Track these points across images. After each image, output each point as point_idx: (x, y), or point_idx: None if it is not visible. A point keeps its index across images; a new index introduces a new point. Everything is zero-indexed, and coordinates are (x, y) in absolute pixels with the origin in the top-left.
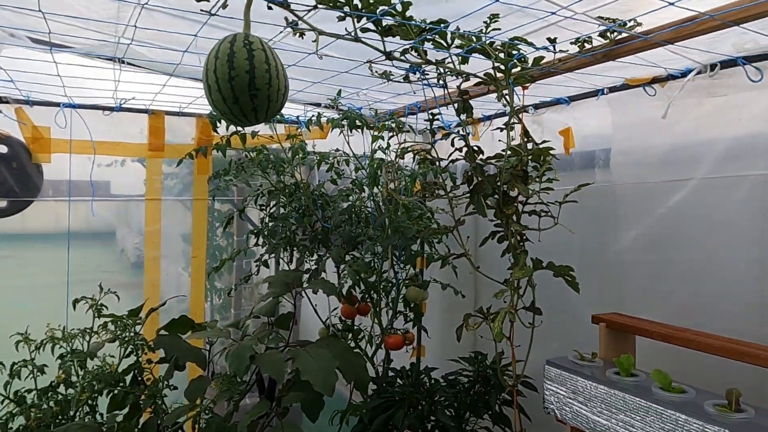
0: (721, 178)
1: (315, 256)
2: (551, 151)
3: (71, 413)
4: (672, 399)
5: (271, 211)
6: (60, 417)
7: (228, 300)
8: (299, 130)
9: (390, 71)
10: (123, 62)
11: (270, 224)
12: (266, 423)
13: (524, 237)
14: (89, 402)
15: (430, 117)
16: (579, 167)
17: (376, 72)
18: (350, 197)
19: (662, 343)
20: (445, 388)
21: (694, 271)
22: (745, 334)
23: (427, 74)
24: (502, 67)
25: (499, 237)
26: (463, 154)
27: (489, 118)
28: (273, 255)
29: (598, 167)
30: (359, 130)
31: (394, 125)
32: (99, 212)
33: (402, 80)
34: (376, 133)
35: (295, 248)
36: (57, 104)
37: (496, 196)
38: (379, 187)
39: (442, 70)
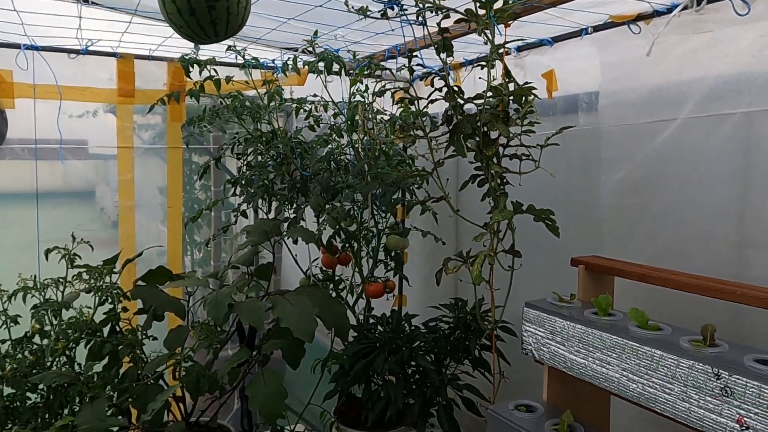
0: (706, 117)
1: (294, 206)
2: (533, 92)
3: (47, 363)
4: (648, 336)
5: (249, 159)
6: (36, 367)
7: (208, 254)
8: (276, 75)
9: (367, 6)
10: (86, 0)
11: (247, 173)
12: (247, 371)
13: (504, 180)
14: (66, 353)
15: (409, 56)
16: (562, 111)
17: (353, 8)
18: (329, 144)
19: (640, 285)
20: (425, 335)
21: (676, 213)
22: (725, 275)
23: (406, 9)
24: (483, 1)
25: (479, 180)
26: (442, 94)
27: (471, 62)
28: (251, 205)
29: (581, 111)
30: (338, 75)
31: (372, 69)
32: (77, 171)
33: (379, 16)
34: (354, 77)
35: (273, 198)
36: (17, 46)
37: (477, 137)
38: (358, 132)
39: (421, 5)
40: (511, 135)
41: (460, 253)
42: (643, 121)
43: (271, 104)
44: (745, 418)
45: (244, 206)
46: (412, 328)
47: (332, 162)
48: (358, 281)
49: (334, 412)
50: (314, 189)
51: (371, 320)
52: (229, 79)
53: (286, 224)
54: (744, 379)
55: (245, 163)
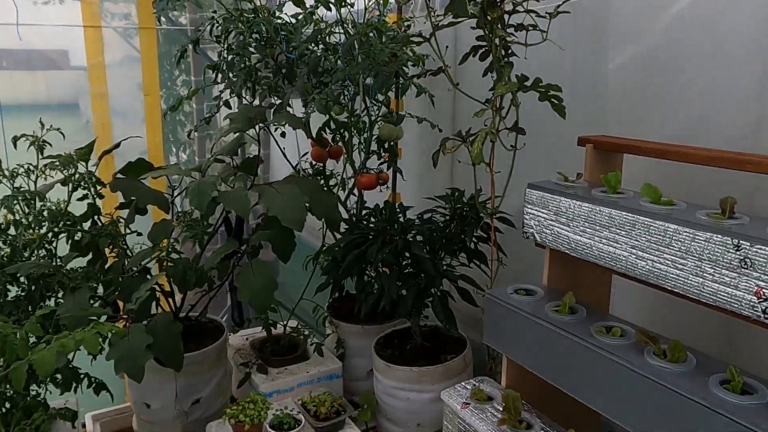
0: None
1: (279, 92)
2: None
3: (25, 255)
4: (662, 210)
5: (229, 42)
6: (13, 259)
7: (193, 155)
8: None
9: None
10: None
11: (228, 57)
12: (236, 263)
13: (509, 50)
14: (46, 246)
15: None
16: None
17: None
18: (318, 22)
19: (651, 167)
20: (420, 226)
21: (692, 91)
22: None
23: None
24: None
25: (481, 53)
26: None
27: None
28: (233, 92)
29: None
30: None
31: None
32: (60, 83)
33: None
34: None
35: (257, 84)
36: None
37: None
38: (349, 6)
39: None
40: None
41: (459, 133)
42: None
43: None
44: (764, 290)
45: (225, 94)
46: (407, 219)
47: (320, 43)
48: (349, 175)
49: (326, 308)
50: (301, 73)
51: (363, 212)
52: None
53: (271, 111)
54: (767, 249)
55: (225, 47)
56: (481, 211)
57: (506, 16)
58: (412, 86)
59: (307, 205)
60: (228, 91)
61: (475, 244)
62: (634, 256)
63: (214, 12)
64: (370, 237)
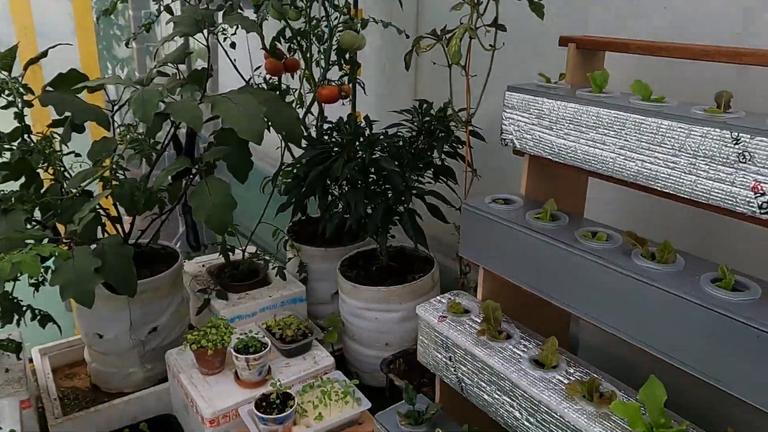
0: None
1: None
2: None
3: None
4: (652, 107)
5: None
6: None
7: (132, 72)
8: None
9: None
10: None
11: None
12: (189, 183)
13: None
14: None
15: None
16: None
17: None
18: None
19: (637, 65)
20: (386, 139)
21: None
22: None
23: None
24: None
25: None
26: None
27: None
28: None
29: None
30: None
31: None
32: None
33: None
34: None
35: None
36: None
37: None
38: None
39: None
40: None
41: (433, 31)
42: None
43: None
44: (762, 184)
45: None
46: (372, 133)
47: None
48: (307, 90)
49: (287, 231)
50: None
51: (326, 127)
52: None
53: (220, 14)
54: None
55: None
56: (455, 121)
57: None
58: None
59: (266, 117)
60: None
61: (443, 160)
62: (622, 158)
63: None
64: (334, 152)
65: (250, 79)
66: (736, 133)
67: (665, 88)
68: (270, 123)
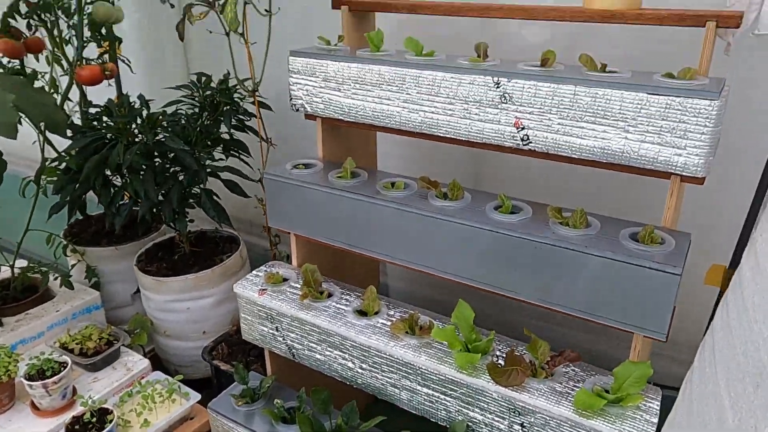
0: None
1: None
2: None
3: None
4: (426, 61)
5: None
6: None
7: None
8: None
9: None
10: None
11: None
12: None
13: None
14: None
15: None
16: None
17: None
18: None
19: (404, 24)
20: (168, 118)
21: None
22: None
23: None
24: None
25: None
26: None
27: None
28: None
29: None
30: None
31: None
32: None
33: None
34: None
35: None
36: None
37: None
38: None
39: None
40: None
41: None
42: None
43: None
44: (521, 120)
45: None
46: (151, 112)
47: None
48: (60, 72)
49: (63, 235)
50: None
51: (93, 111)
52: None
53: None
54: (522, 82)
55: None
56: (240, 93)
57: None
58: None
59: (16, 107)
60: None
61: (231, 135)
62: (406, 110)
63: None
64: (109, 139)
65: None
66: (497, 78)
67: (433, 41)
68: (23, 114)
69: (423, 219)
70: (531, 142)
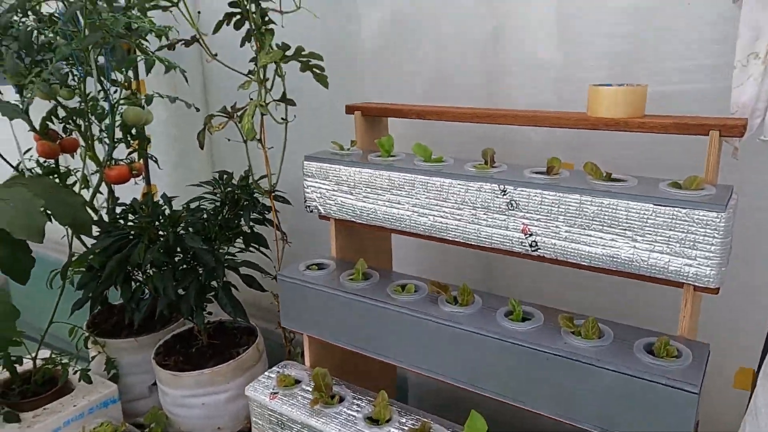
0: None
1: None
2: None
3: None
4: (434, 168)
5: None
6: None
7: None
8: None
9: None
10: None
11: None
12: None
13: (266, 17)
14: None
15: None
16: None
17: None
18: None
19: (414, 127)
20: (189, 216)
21: (434, 49)
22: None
23: None
24: None
25: (236, 21)
26: None
27: None
28: None
29: None
30: None
31: None
32: None
33: None
34: None
35: None
36: None
37: None
38: None
39: None
40: None
41: (224, 109)
42: None
43: None
44: (529, 227)
45: None
46: (173, 210)
47: (29, 13)
48: (93, 170)
49: (85, 326)
50: (9, 51)
51: (118, 210)
52: None
53: None
54: (527, 190)
55: None
56: (257, 191)
57: None
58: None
59: (45, 209)
60: None
61: (252, 227)
62: (416, 214)
63: None
64: (132, 236)
65: (19, 164)
66: (503, 186)
67: (442, 137)
68: (51, 214)
69: (433, 325)
70: (539, 249)
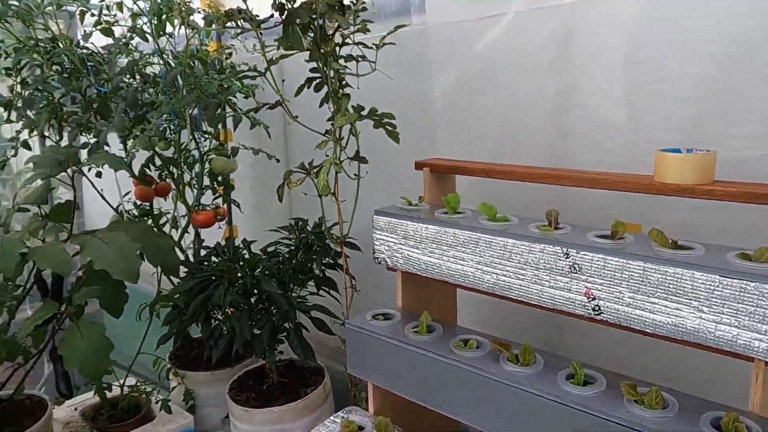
0: (533, 9)
1: (91, 130)
2: None
3: None
4: (499, 227)
5: (23, 76)
6: None
7: None
8: None
9: None
10: None
11: (24, 93)
12: (57, 327)
13: (344, 81)
14: None
15: None
16: (394, 13)
17: None
18: (132, 51)
19: (482, 182)
20: (266, 260)
21: (503, 110)
22: (551, 164)
23: None
24: None
25: (315, 84)
26: None
27: None
28: (33, 132)
29: (414, 9)
30: None
31: None
32: None
33: None
34: None
35: (63, 122)
36: None
37: (311, 33)
38: (167, 35)
39: None
40: (348, 29)
41: (302, 165)
42: (471, 17)
43: (45, 1)
44: (591, 290)
45: (24, 134)
46: (252, 254)
47: (136, 74)
48: (182, 213)
49: (168, 358)
50: (117, 108)
51: (203, 252)
52: None
53: (84, 151)
54: (590, 254)
55: (19, 80)
56: (329, 239)
57: (337, 48)
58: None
59: (140, 252)
60: (27, 130)
61: (323, 272)
62: (480, 272)
63: (1, 41)
64: (214, 278)
65: (118, 206)
66: (566, 249)
67: (508, 194)
68: (145, 256)
69: (493, 383)
70: (602, 313)
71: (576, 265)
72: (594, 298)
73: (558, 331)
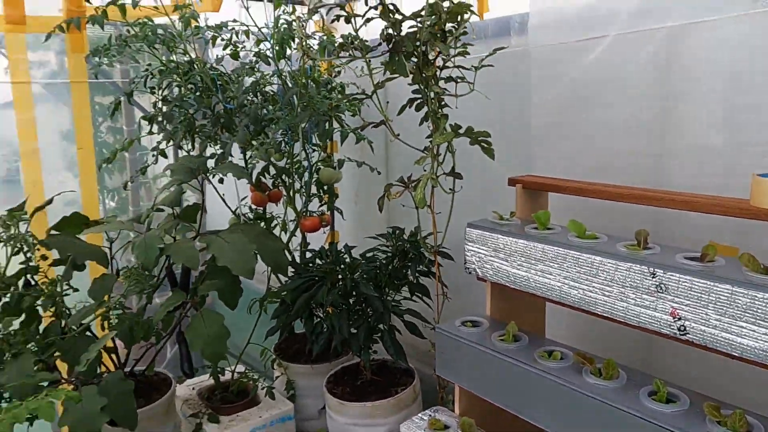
0: (634, 33)
1: (218, 142)
2: (470, 9)
3: None
4: (587, 244)
5: (164, 94)
6: None
7: (124, 201)
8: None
9: None
10: None
11: (164, 108)
12: (183, 314)
13: (443, 102)
14: None
15: None
16: (493, 34)
17: None
18: (255, 72)
19: (574, 200)
20: (365, 265)
21: (602, 130)
22: (649, 185)
23: None
24: None
25: (417, 104)
26: (378, 12)
27: None
28: (170, 143)
29: (513, 32)
30: None
31: None
32: None
33: None
34: None
35: (195, 134)
36: None
37: (415, 58)
38: (286, 59)
39: None
40: (449, 55)
41: (401, 179)
42: (572, 39)
43: (187, 31)
44: (678, 311)
45: (163, 145)
46: (352, 259)
47: (258, 93)
48: (291, 218)
49: (273, 349)
50: (240, 123)
51: (308, 255)
52: (135, 4)
53: (212, 161)
54: (677, 275)
55: (161, 98)
56: (423, 247)
57: (437, 71)
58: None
59: (256, 252)
60: (165, 141)
61: (417, 278)
62: (566, 286)
63: (149, 65)
64: (317, 279)
65: (236, 209)
66: (653, 268)
67: (599, 213)
68: (260, 256)
69: (574, 394)
70: (688, 333)
71: (662, 285)
72: (680, 318)
73: (647, 351)
